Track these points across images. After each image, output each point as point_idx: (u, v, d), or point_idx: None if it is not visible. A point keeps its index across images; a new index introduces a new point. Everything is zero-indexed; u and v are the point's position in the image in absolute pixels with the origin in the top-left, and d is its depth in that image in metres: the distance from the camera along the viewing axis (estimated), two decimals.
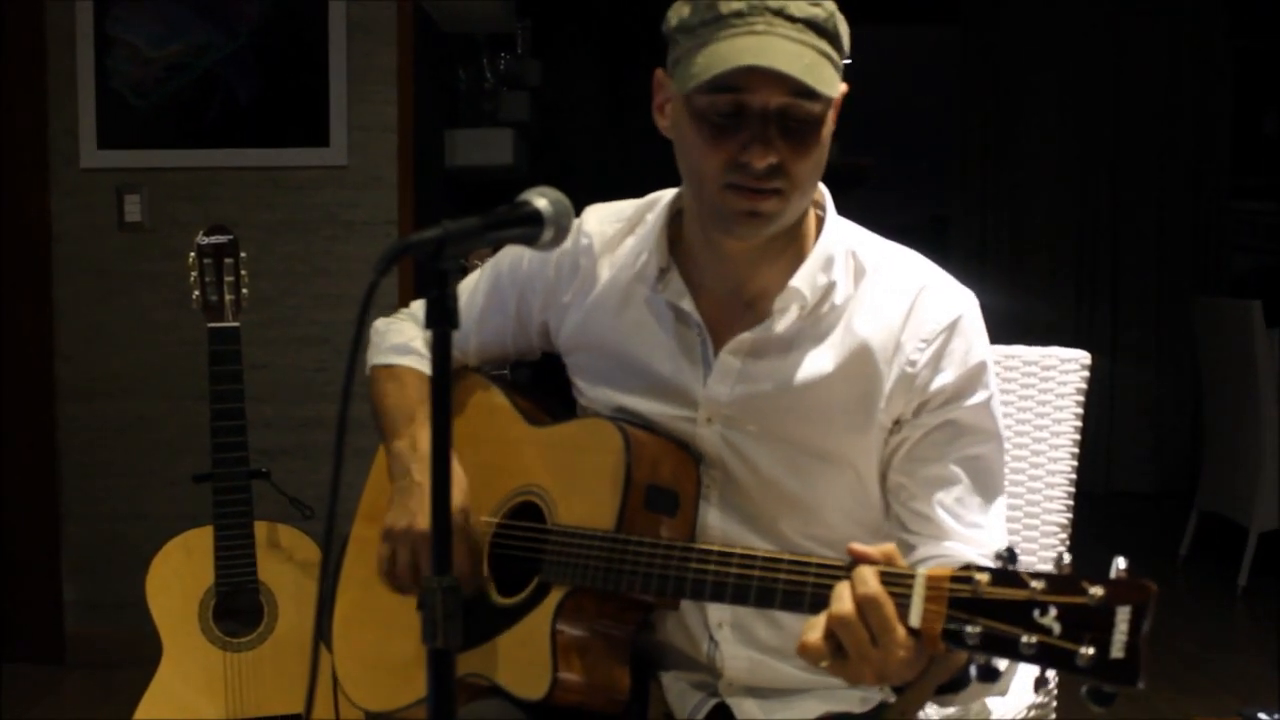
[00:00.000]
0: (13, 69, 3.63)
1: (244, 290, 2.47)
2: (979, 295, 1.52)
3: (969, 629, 1.09)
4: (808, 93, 1.35)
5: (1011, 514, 1.83)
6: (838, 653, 1.17)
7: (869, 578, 1.16)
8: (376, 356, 1.77)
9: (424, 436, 1.61)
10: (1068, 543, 1.81)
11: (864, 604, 1.15)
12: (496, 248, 1.69)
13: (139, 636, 2.58)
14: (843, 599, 1.16)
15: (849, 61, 1.43)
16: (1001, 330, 1.53)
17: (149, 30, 3.62)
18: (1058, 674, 1.07)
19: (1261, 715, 1.96)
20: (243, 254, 2.48)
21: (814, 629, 1.18)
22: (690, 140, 1.41)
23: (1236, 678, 3.83)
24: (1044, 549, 1.81)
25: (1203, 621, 4.44)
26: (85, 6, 3.60)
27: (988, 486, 1.49)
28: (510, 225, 1.21)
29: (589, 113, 6.58)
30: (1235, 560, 4.68)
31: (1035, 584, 1.06)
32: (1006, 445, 1.80)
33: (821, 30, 1.37)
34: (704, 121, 1.39)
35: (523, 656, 1.48)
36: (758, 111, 1.36)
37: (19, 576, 3.73)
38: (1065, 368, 1.84)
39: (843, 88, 1.41)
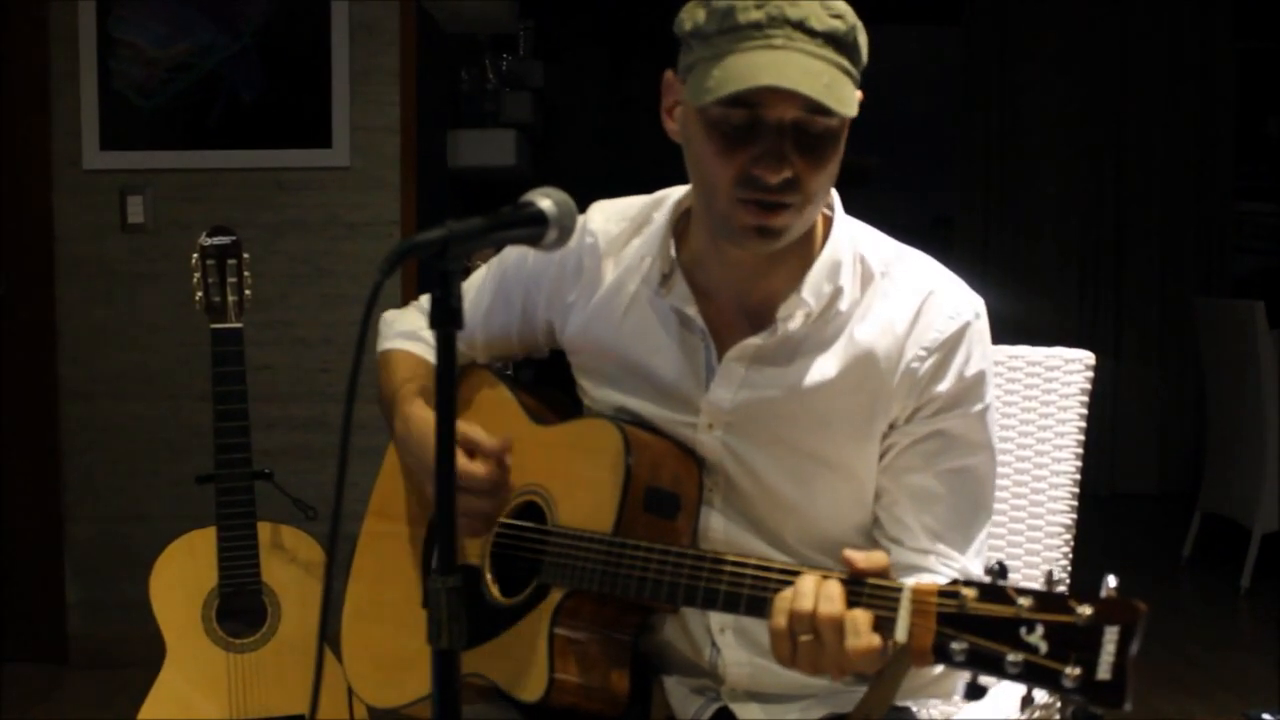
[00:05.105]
0: (15, 70, 3.63)
1: (247, 291, 2.46)
2: (982, 295, 1.51)
3: (955, 645, 1.08)
4: (825, 109, 1.32)
5: (1015, 515, 1.83)
6: (795, 650, 1.22)
7: (805, 588, 1.22)
8: (383, 343, 1.79)
9: (414, 413, 1.64)
10: (1071, 544, 1.81)
11: (795, 620, 1.21)
12: (500, 248, 1.69)
13: (142, 637, 2.57)
14: (779, 612, 1.23)
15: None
16: (1005, 331, 1.52)
17: (152, 31, 3.62)
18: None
19: (1265, 716, 1.96)
20: (245, 255, 2.47)
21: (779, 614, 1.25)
22: (702, 150, 1.38)
23: (1239, 679, 3.82)
24: (1048, 549, 1.80)
25: (1206, 623, 4.44)
26: (88, 7, 3.60)
27: (974, 502, 1.47)
28: (514, 226, 1.20)
29: (592, 113, 6.58)
30: (1238, 561, 4.68)
31: (1022, 601, 1.05)
32: (1010, 447, 1.81)
33: (841, 44, 1.34)
34: (717, 132, 1.36)
35: (521, 657, 1.48)
36: (773, 126, 1.33)
37: (22, 577, 3.73)
38: (1069, 368, 1.83)
39: (859, 95, 1.40)
